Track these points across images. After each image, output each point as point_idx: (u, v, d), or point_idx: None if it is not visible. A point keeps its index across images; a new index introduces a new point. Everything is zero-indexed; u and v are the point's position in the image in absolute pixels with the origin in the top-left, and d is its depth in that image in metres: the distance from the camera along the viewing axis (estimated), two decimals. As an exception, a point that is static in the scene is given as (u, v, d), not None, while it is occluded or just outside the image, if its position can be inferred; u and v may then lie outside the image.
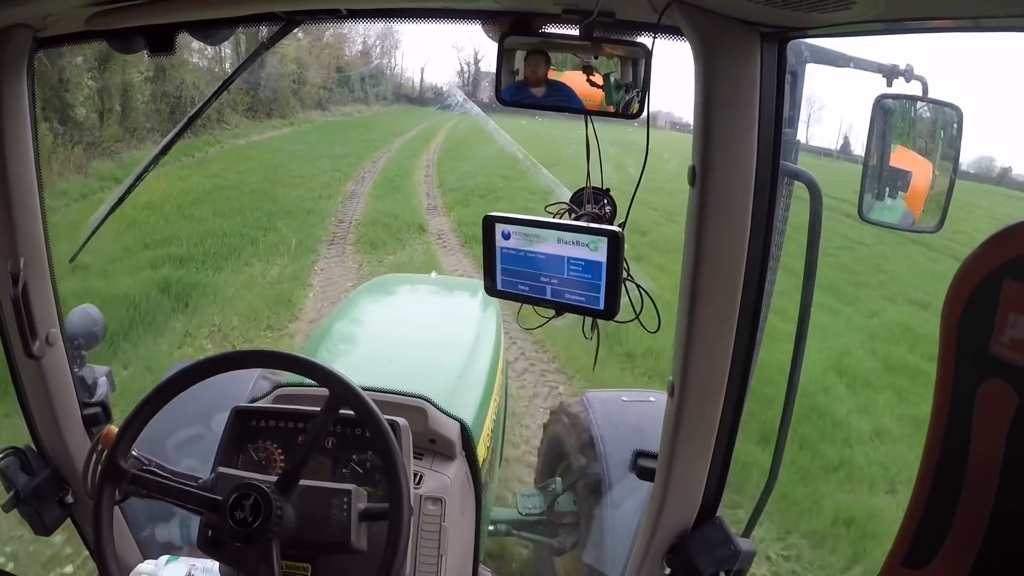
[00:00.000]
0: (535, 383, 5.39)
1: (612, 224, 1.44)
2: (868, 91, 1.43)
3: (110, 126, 13.88)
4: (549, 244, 1.37)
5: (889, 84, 1.45)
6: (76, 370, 1.79)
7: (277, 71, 21.93)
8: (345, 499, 1.38)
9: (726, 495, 1.58)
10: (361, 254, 9.16)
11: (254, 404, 1.94)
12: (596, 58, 1.34)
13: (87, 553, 2.70)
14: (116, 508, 1.41)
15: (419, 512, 1.77)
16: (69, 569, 3.24)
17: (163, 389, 1.44)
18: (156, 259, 7.99)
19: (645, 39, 1.31)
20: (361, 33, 31.18)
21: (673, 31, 1.26)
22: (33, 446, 1.79)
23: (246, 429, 1.67)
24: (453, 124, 23.53)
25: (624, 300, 1.39)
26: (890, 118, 1.42)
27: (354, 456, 1.65)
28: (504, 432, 3.12)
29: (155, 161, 1.80)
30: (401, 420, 1.61)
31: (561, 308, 1.43)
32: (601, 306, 1.38)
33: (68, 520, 1.86)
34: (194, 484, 1.41)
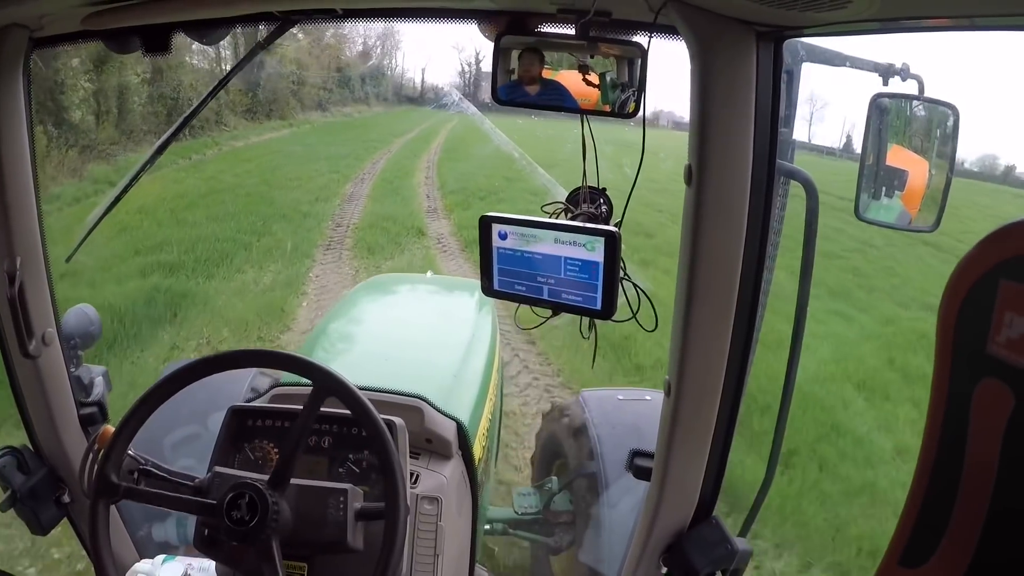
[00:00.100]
0: (539, 399, 5.26)
1: (609, 223, 1.44)
2: (867, 90, 1.43)
3: (106, 129, 13.80)
4: (546, 244, 1.37)
5: (885, 83, 1.45)
6: (72, 370, 1.79)
7: (277, 72, 21.88)
8: (341, 498, 1.38)
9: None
10: (358, 259, 8.95)
11: (250, 403, 1.94)
12: (592, 57, 1.34)
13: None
14: (112, 507, 1.41)
15: (415, 511, 1.77)
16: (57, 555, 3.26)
17: (158, 389, 1.43)
18: (146, 266, 7.81)
19: (641, 38, 1.31)
20: (361, 33, 31.24)
21: (669, 30, 1.26)
22: (30, 445, 1.79)
23: (242, 428, 1.67)
24: (454, 124, 23.39)
25: (621, 300, 1.39)
26: (886, 117, 1.42)
27: (350, 455, 1.65)
28: (500, 431, 3.12)
29: (151, 161, 1.80)
30: (397, 419, 1.61)
31: (558, 308, 1.43)
32: (598, 306, 1.38)
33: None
34: (190, 484, 1.41)
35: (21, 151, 1.53)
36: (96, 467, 1.39)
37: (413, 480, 1.83)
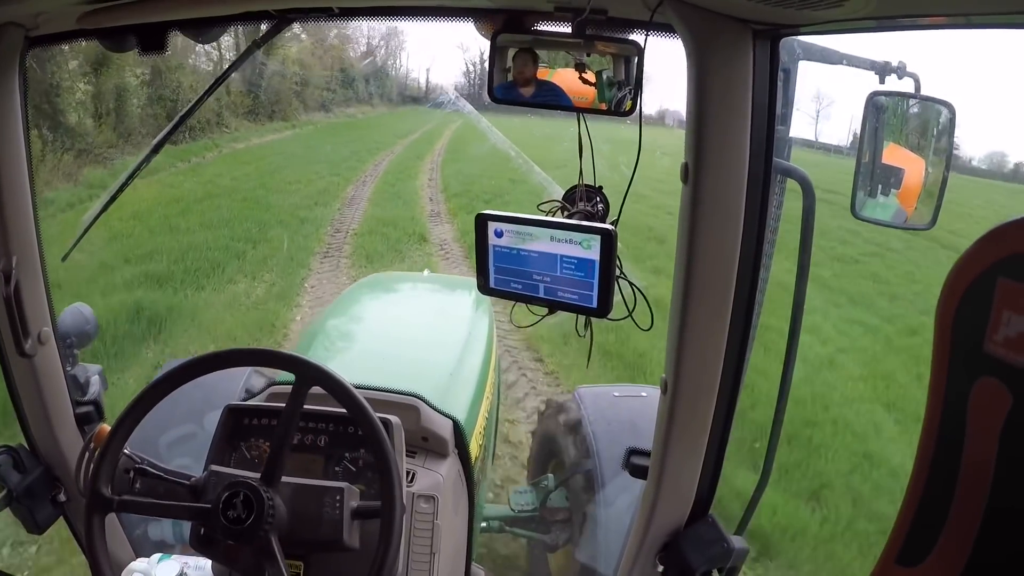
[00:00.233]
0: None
1: (605, 222, 1.44)
2: (865, 88, 1.43)
3: (103, 132, 13.63)
4: (542, 242, 1.37)
5: (882, 81, 1.45)
6: (68, 369, 1.78)
7: (279, 73, 21.79)
8: (337, 497, 1.38)
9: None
10: (356, 268, 8.51)
11: (247, 402, 1.94)
12: (589, 55, 1.34)
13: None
14: None
15: (412, 510, 1.77)
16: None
17: (153, 390, 1.43)
18: (133, 278, 7.41)
19: (637, 36, 1.31)
20: (365, 34, 31.25)
21: (665, 28, 1.26)
22: (25, 444, 1.78)
23: (239, 427, 1.67)
24: (458, 125, 23.12)
25: (617, 298, 1.39)
26: (883, 115, 1.42)
27: (347, 454, 1.65)
28: (496, 430, 3.12)
29: (147, 160, 1.80)
30: (394, 418, 1.61)
31: (554, 306, 1.43)
32: (594, 304, 1.38)
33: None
34: (186, 483, 1.41)
35: (17, 150, 1.53)
36: (89, 479, 1.39)
37: (409, 479, 1.83)
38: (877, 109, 1.41)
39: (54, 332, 1.71)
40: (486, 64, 1.39)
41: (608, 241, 1.31)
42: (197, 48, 16.43)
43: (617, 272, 1.36)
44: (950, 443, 0.56)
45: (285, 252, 9.04)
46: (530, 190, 11.82)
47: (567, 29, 1.31)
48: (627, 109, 1.33)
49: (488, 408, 2.56)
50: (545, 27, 1.35)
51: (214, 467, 1.44)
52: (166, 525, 2.24)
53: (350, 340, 2.83)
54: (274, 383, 2.15)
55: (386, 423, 1.53)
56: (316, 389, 1.40)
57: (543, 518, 3.00)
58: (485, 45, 1.37)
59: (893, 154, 1.43)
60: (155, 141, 1.80)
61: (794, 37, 1.28)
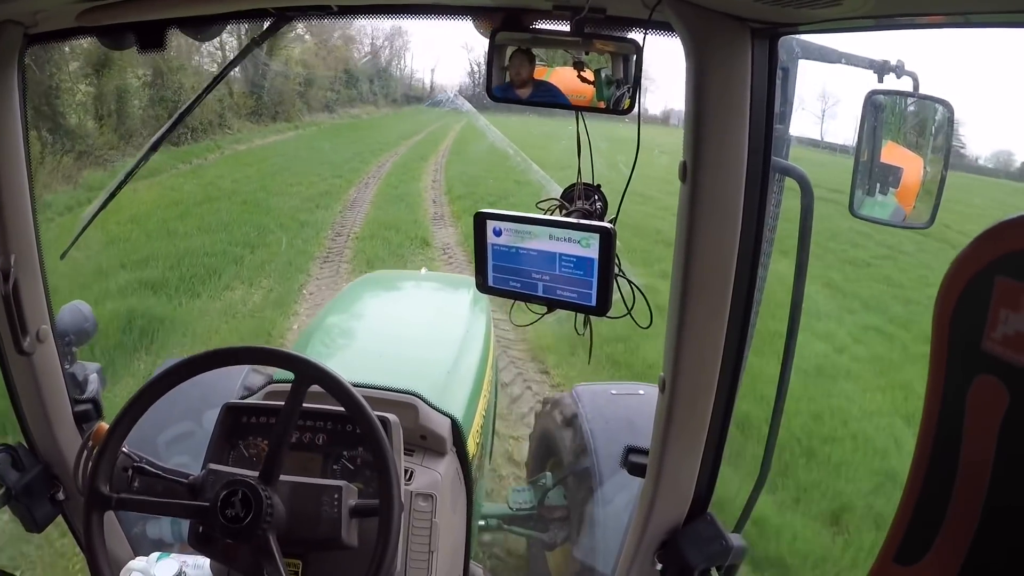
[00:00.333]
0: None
1: (603, 220, 1.44)
2: (863, 87, 1.43)
3: (104, 133, 13.49)
4: (541, 241, 1.37)
5: (880, 80, 1.45)
6: (67, 367, 1.78)
7: (283, 73, 21.69)
8: (336, 495, 1.39)
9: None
10: (357, 274, 7.97)
11: (245, 400, 1.94)
12: (587, 54, 1.34)
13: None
14: None
15: (410, 508, 1.77)
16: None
17: (151, 388, 1.43)
18: (128, 284, 7.17)
19: (636, 35, 1.31)
20: (369, 34, 31.16)
21: (664, 27, 1.26)
22: (24, 443, 1.78)
23: (237, 425, 1.67)
24: (463, 126, 22.81)
25: (616, 296, 1.39)
26: (881, 114, 1.42)
27: (345, 452, 1.65)
28: (494, 428, 3.12)
29: (145, 157, 1.80)
30: (392, 416, 1.61)
31: (553, 305, 1.43)
32: (593, 302, 1.38)
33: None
34: (184, 482, 1.41)
35: (15, 149, 1.53)
36: (88, 477, 1.39)
37: (407, 477, 1.83)
38: (875, 108, 1.41)
39: (52, 330, 1.71)
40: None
41: (607, 239, 1.31)
42: (202, 49, 16.34)
43: (616, 270, 1.36)
44: (948, 441, 0.56)
45: (283, 253, 8.91)
46: (535, 192, 11.60)
47: (566, 27, 1.31)
48: (625, 107, 1.33)
49: (486, 406, 2.57)
50: (543, 25, 1.35)
51: (212, 465, 1.44)
52: (165, 524, 2.24)
53: (348, 338, 2.83)
54: (272, 381, 2.15)
55: (384, 421, 1.53)
56: (315, 388, 1.41)
57: (541, 516, 3.00)
58: (491, 45, 1.37)
59: (892, 153, 1.44)
60: (153, 139, 1.80)
61: (792, 36, 1.28)
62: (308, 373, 1.40)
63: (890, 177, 1.44)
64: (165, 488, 1.42)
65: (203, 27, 1.57)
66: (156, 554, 1.71)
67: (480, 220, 1.41)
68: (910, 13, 1.07)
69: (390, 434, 1.54)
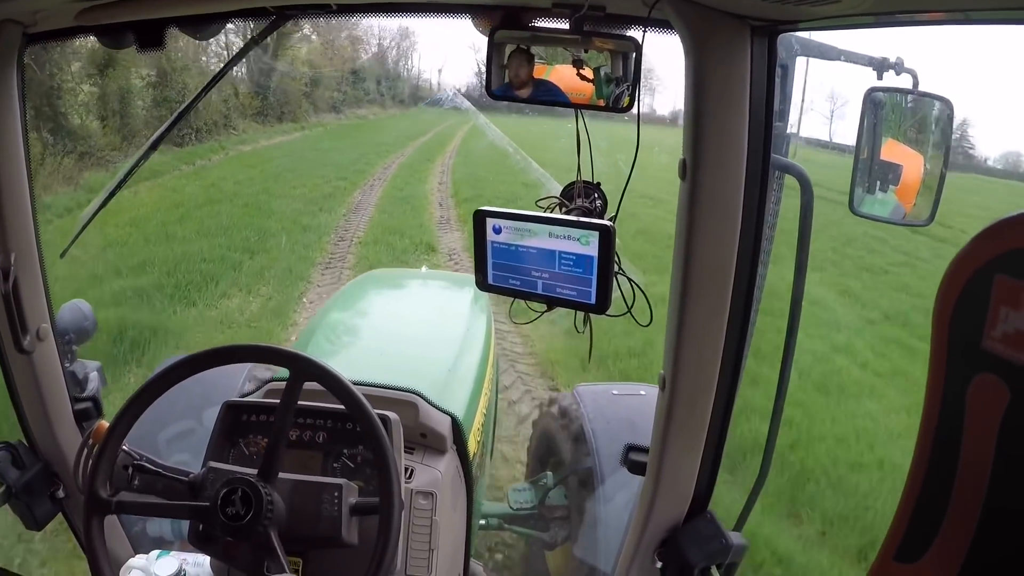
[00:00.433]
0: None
1: (603, 218, 1.44)
2: (863, 84, 1.43)
3: (106, 134, 13.34)
4: (540, 238, 1.37)
5: (880, 77, 1.45)
6: (67, 365, 1.79)
7: (289, 73, 21.61)
8: (336, 493, 1.39)
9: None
10: None
11: (245, 398, 1.94)
12: (587, 52, 1.34)
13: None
14: None
15: (410, 506, 1.77)
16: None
17: (150, 387, 1.44)
18: (121, 291, 6.83)
19: (635, 33, 1.30)
20: (376, 34, 31.09)
21: (663, 25, 1.26)
22: (24, 441, 1.79)
23: (237, 423, 1.67)
24: (471, 126, 22.11)
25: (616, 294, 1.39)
26: (881, 111, 1.42)
27: (345, 450, 1.65)
28: (495, 426, 3.12)
29: (145, 156, 1.80)
30: (392, 414, 1.61)
31: (552, 303, 1.43)
32: (593, 300, 1.38)
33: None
34: (185, 479, 1.41)
35: (15, 147, 1.53)
36: (87, 480, 1.39)
37: (408, 475, 1.83)
38: (875, 105, 1.41)
39: (53, 329, 1.71)
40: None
41: (606, 237, 1.31)
42: (209, 49, 16.28)
43: (616, 268, 1.36)
44: (948, 439, 0.56)
45: (283, 257, 8.67)
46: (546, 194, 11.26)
47: (565, 25, 1.31)
48: (625, 105, 1.33)
49: (486, 405, 2.57)
50: (543, 23, 1.35)
51: (213, 463, 1.44)
52: (165, 522, 2.24)
53: (349, 336, 2.83)
54: (272, 379, 2.15)
55: (384, 419, 1.53)
56: (315, 385, 1.41)
57: (542, 516, 3.00)
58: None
59: (892, 150, 1.43)
60: (153, 137, 1.80)
61: (792, 33, 1.28)
62: (302, 369, 1.41)
63: (890, 174, 1.44)
64: (165, 486, 1.42)
65: (202, 26, 1.57)
66: (156, 552, 1.71)
67: (480, 218, 1.41)
68: (909, 10, 1.07)
69: (390, 432, 1.54)
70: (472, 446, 2.17)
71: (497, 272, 1.45)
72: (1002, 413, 0.52)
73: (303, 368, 1.41)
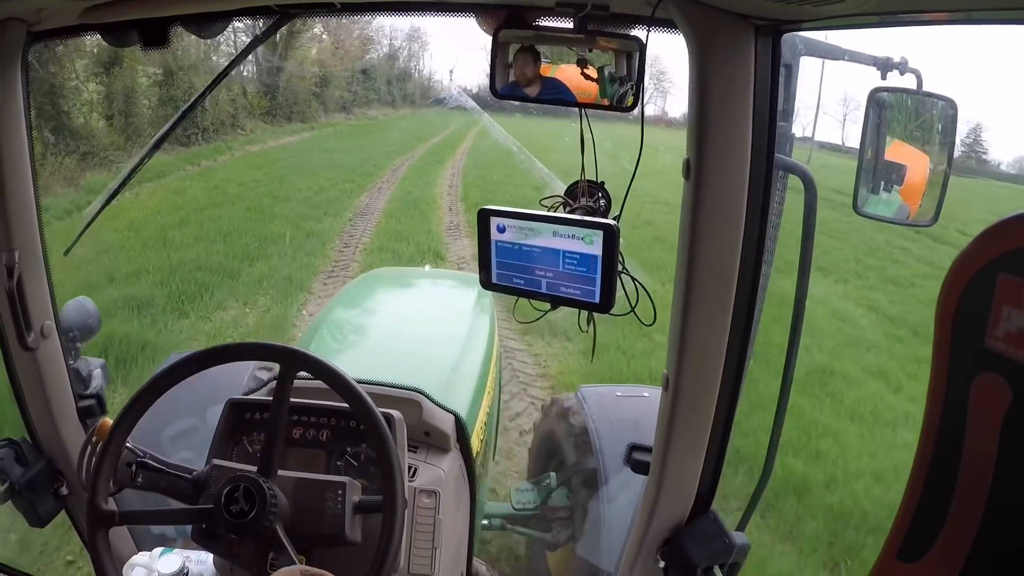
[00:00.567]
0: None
1: (607, 217, 1.44)
2: (868, 84, 1.43)
3: (110, 134, 13.16)
4: (544, 237, 1.37)
5: (884, 77, 1.45)
6: (71, 362, 1.79)
7: (298, 73, 21.49)
8: (340, 492, 1.39)
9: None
10: None
11: (248, 396, 1.95)
12: (591, 51, 1.34)
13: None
14: (110, 499, 1.42)
15: (413, 505, 1.78)
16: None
17: (156, 383, 1.44)
18: (112, 302, 6.40)
19: (639, 32, 1.30)
20: (387, 34, 31.00)
21: (667, 24, 1.26)
22: (28, 438, 1.79)
23: (240, 421, 1.67)
24: (481, 128, 22.14)
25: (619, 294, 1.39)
26: (885, 112, 1.41)
27: (348, 449, 1.65)
28: (498, 425, 3.12)
29: (148, 155, 1.80)
30: (395, 413, 1.61)
31: (556, 302, 1.43)
32: (596, 299, 1.38)
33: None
34: (188, 477, 1.42)
35: (19, 145, 1.54)
36: (90, 490, 1.40)
37: (411, 473, 1.84)
38: (879, 105, 1.40)
39: (56, 326, 1.71)
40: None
41: (610, 236, 1.31)
42: (219, 48, 16.20)
43: (620, 267, 1.36)
44: (950, 439, 0.56)
45: (284, 259, 8.39)
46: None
47: (569, 25, 1.31)
48: (629, 104, 1.33)
49: (489, 403, 2.57)
50: (547, 23, 1.35)
51: (216, 461, 1.45)
52: None
53: (352, 334, 2.84)
54: (276, 378, 2.16)
55: (388, 418, 1.53)
56: (318, 384, 1.41)
57: (544, 516, 3.00)
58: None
59: (896, 151, 1.43)
60: (156, 136, 1.81)
61: (796, 33, 1.28)
62: (292, 362, 1.42)
63: (894, 175, 1.43)
64: (168, 483, 1.43)
65: (206, 24, 1.57)
66: (159, 549, 1.71)
67: (484, 216, 1.41)
68: (913, 10, 1.07)
69: (394, 430, 1.55)
70: (475, 445, 2.17)
71: (501, 271, 1.45)
72: (1004, 412, 0.51)
73: (293, 361, 1.42)
